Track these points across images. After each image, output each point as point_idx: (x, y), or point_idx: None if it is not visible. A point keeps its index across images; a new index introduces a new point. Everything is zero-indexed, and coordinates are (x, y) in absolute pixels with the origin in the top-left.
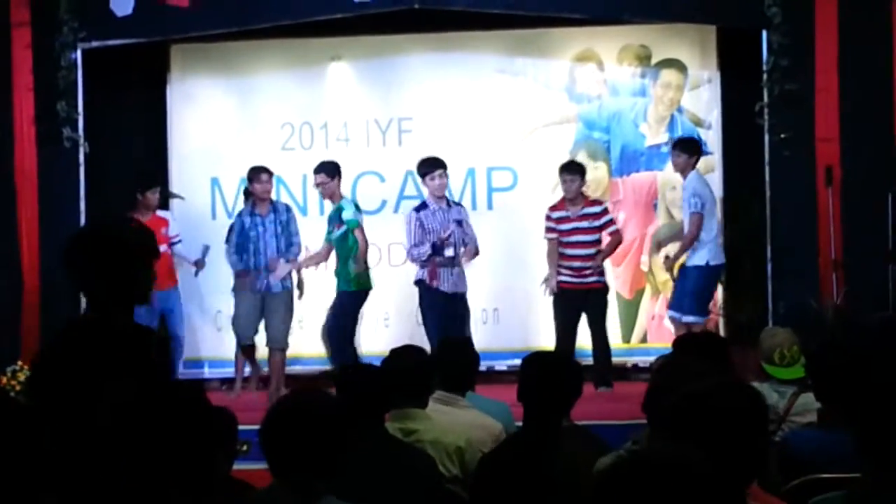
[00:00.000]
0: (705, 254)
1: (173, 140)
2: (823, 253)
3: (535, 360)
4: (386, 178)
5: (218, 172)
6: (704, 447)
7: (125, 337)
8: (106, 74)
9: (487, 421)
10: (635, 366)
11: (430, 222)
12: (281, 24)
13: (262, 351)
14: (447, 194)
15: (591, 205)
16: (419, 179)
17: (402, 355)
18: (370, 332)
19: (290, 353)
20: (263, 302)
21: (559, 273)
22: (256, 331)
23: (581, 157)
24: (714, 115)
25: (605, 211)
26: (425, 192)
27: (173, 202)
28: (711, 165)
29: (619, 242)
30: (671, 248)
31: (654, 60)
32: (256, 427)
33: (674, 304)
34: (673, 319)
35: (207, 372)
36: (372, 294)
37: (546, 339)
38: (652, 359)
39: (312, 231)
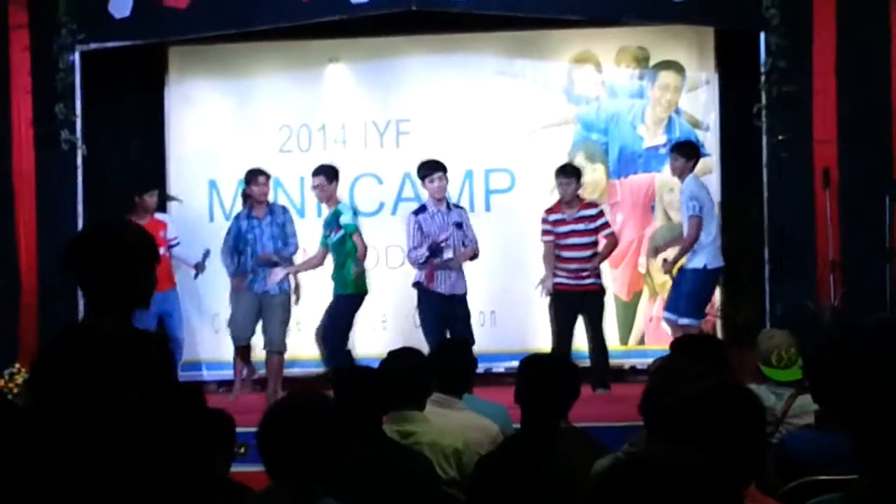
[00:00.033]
0: (703, 257)
1: (171, 142)
2: (821, 255)
3: (532, 362)
4: (384, 180)
5: (216, 175)
6: (701, 449)
7: (125, 340)
8: (104, 76)
9: (484, 423)
10: (633, 368)
11: (429, 225)
12: (279, 26)
13: (257, 353)
14: (447, 197)
15: (587, 207)
16: (419, 182)
17: (400, 357)
18: (367, 335)
19: (287, 355)
20: (261, 304)
21: (556, 275)
22: (253, 333)
23: (579, 159)
24: (712, 117)
25: (601, 213)
26: (425, 194)
27: (171, 205)
28: (709, 167)
29: (616, 245)
30: (670, 253)
31: (652, 62)
32: (254, 429)
33: (670, 306)
34: (668, 321)
35: (205, 374)
36: (369, 296)
37: (544, 341)
38: (649, 361)
39: (310, 233)
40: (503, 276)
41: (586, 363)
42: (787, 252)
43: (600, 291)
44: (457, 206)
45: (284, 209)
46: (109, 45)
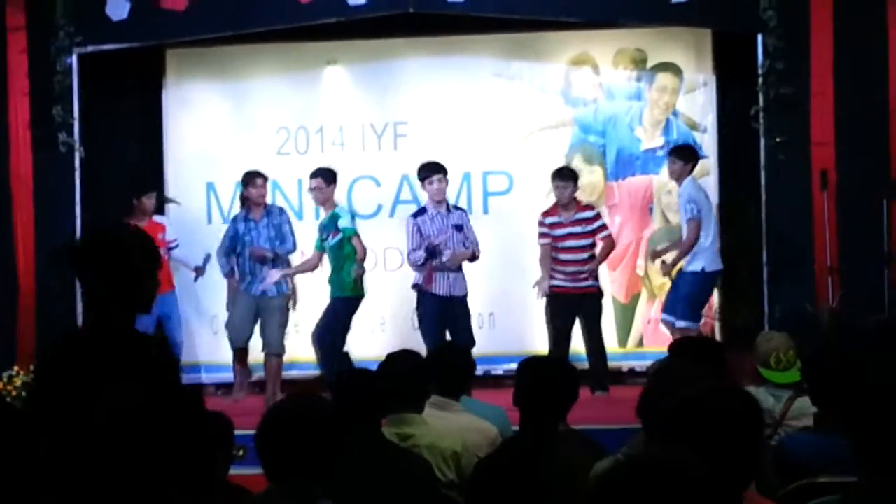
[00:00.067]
0: (702, 260)
1: (169, 145)
2: (819, 257)
3: (531, 364)
4: (381, 182)
5: (214, 177)
6: (699, 451)
7: (125, 342)
8: (101, 79)
9: (483, 425)
10: (631, 370)
11: (429, 227)
12: (276, 29)
13: (255, 355)
14: (448, 199)
15: (584, 210)
16: (418, 184)
17: (398, 360)
18: (366, 337)
19: (285, 357)
20: (258, 307)
21: (553, 278)
22: (251, 335)
23: (577, 161)
24: (709, 119)
25: (598, 216)
26: (424, 196)
27: (169, 207)
28: (707, 169)
29: (613, 247)
30: (670, 256)
31: (649, 64)
32: (252, 432)
33: (667, 308)
34: (666, 323)
35: (204, 377)
36: (368, 299)
37: (542, 344)
38: (648, 363)
39: (308, 235)
40: (501, 278)
41: (584, 366)
42: (786, 254)
43: (598, 294)
44: (457, 208)
45: (281, 210)
46: (107, 47)
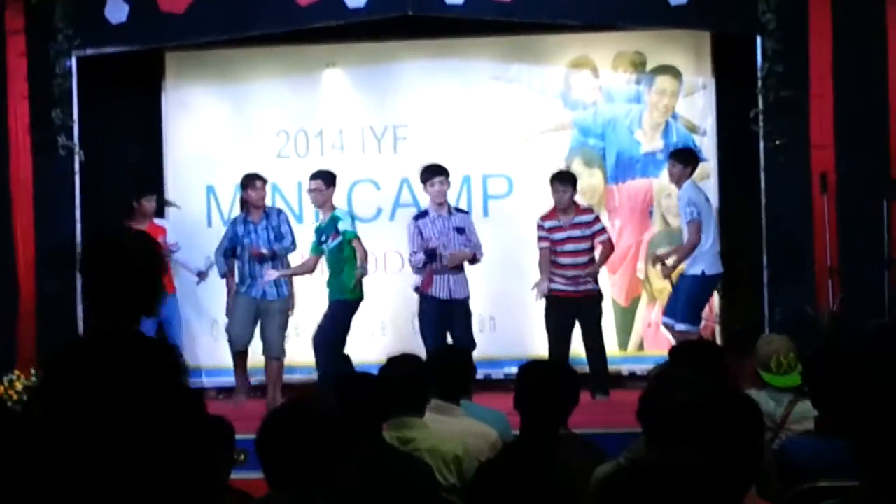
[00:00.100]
0: (702, 263)
1: (168, 148)
2: (819, 260)
3: (531, 368)
4: (381, 185)
5: (213, 180)
6: (699, 454)
7: (132, 346)
8: (101, 82)
9: (483, 429)
10: (632, 374)
11: (429, 230)
12: (275, 32)
13: (256, 359)
14: (451, 202)
15: (583, 213)
16: (419, 187)
17: (399, 364)
18: (366, 341)
19: (286, 361)
20: (258, 309)
21: (553, 281)
22: (251, 338)
23: (576, 164)
24: (709, 122)
25: (597, 219)
26: (425, 199)
27: (169, 210)
28: (706, 172)
29: (612, 250)
30: (671, 260)
31: (648, 67)
32: (253, 436)
33: (668, 311)
34: (667, 326)
35: (205, 381)
36: (368, 303)
37: (543, 347)
38: (648, 366)
39: (308, 238)
40: (502, 281)
41: (585, 369)
42: (786, 257)
43: (597, 296)
44: (459, 211)
45: (280, 211)
46: (106, 50)
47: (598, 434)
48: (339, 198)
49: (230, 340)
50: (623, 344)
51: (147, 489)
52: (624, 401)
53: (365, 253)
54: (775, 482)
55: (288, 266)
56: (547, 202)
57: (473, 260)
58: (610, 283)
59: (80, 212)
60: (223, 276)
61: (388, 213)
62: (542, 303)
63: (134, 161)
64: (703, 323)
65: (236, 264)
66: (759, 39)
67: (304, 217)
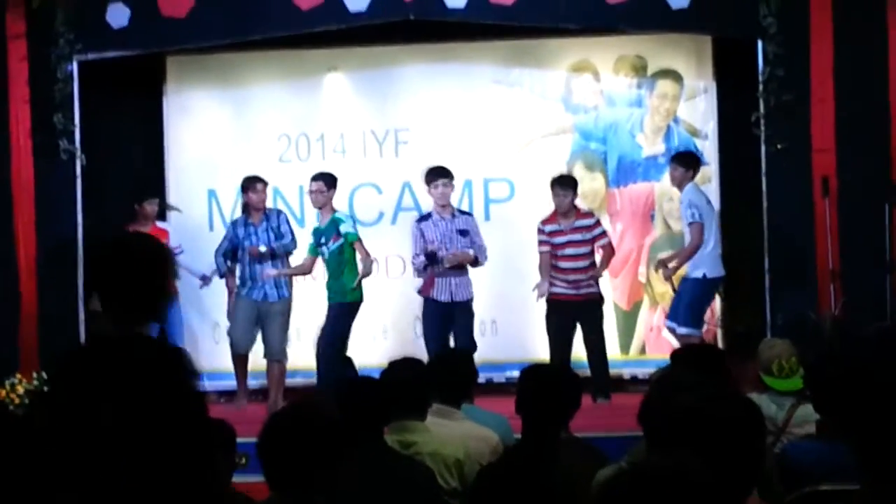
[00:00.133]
0: (703, 266)
1: (170, 152)
2: (821, 264)
3: (533, 371)
4: (383, 189)
5: (215, 184)
6: (700, 458)
7: (142, 349)
8: (102, 86)
9: (485, 433)
10: (633, 377)
11: (432, 232)
12: (277, 36)
13: (258, 363)
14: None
15: (583, 217)
16: (420, 191)
17: (401, 367)
18: (368, 344)
19: (288, 365)
20: (259, 312)
21: (553, 285)
22: (253, 341)
23: (578, 168)
24: (710, 126)
25: (598, 223)
26: (427, 203)
27: (170, 214)
28: (708, 176)
29: (613, 254)
30: (673, 264)
31: (650, 71)
32: (254, 440)
33: (670, 315)
34: (670, 329)
35: (206, 384)
36: (370, 306)
37: (544, 351)
38: (650, 370)
39: (308, 240)
40: (503, 285)
41: (586, 372)
42: (787, 261)
43: (599, 300)
44: (463, 213)
45: (279, 212)
46: (107, 54)
47: (599, 438)
48: (340, 202)
49: (232, 344)
50: (625, 347)
51: (147, 490)
52: (625, 404)
53: (367, 253)
54: (777, 486)
55: (288, 266)
56: (548, 206)
57: (475, 262)
58: (612, 287)
59: (81, 216)
60: (222, 276)
61: (389, 217)
62: (544, 306)
63: (135, 165)
64: (705, 326)
65: (237, 267)
66: (760, 43)
67: (305, 221)
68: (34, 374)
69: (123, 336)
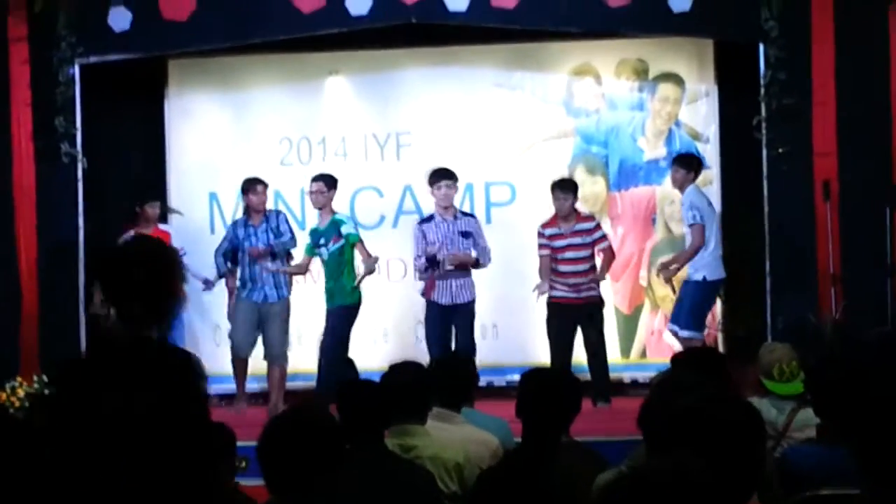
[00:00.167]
0: (703, 269)
1: (171, 155)
2: (822, 267)
3: (533, 375)
4: (384, 193)
5: (216, 187)
6: (700, 461)
7: (150, 352)
8: (104, 89)
9: (484, 436)
10: (634, 381)
11: (433, 234)
12: (278, 39)
13: (258, 366)
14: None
15: (583, 220)
16: (421, 194)
17: (401, 371)
18: (368, 348)
19: (289, 368)
20: (260, 314)
21: (554, 288)
22: (255, 344)
23: (579, 172)
24: (712, 130)
25: (598, 226)
26: (428, 206)
27: (171, 217)
28: (709, 179)
29: (613, 258)
30: (674, 266)
31: (651, 74)
32: (254, 443)
33: (673, 318)
34: (673, 333)
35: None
36: (370, 310)
37: (545, 355)
38: (651, 374)
39: (306, 242)
40: (504, 289)
41: (586, 376)
42: (788, 265)
43: (599, 303)
44: (467, 215)
45: (278, 212)
46: (109, 57)
47: (599, 442)
48: (342, 205)
49: (232, 347)
50: (625, 351)
51: (147, 490)
52: (625, 408)
53: (369, 254)
54: (777, 490)
55: (287, 265)
56: (549, 210)
57: (476, 264)
58: (613, 291)
59: (82, 219)
60: (221, 276)
61: (390, 221)
62: (545, 310)
63: (137, 168)
64: (706, 330)
65: (238, 269)
66: (761, 47)
67: (306, 223)
68: (34, 378)
69: (132, 339)
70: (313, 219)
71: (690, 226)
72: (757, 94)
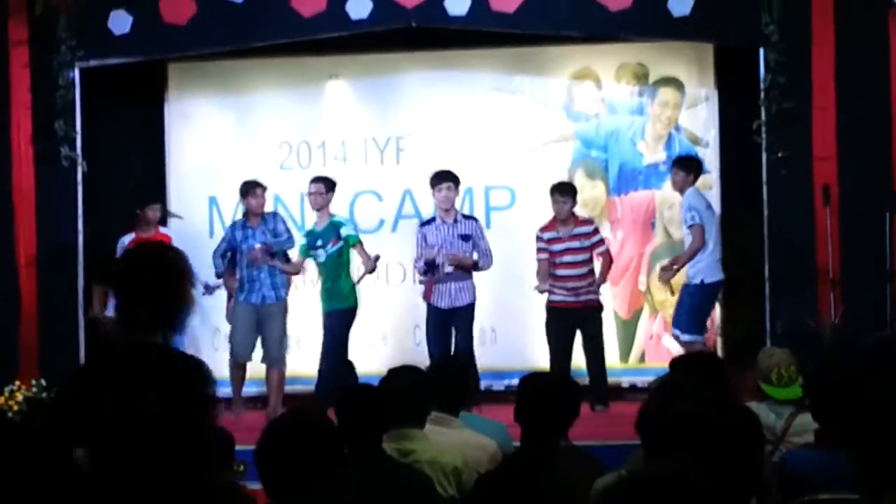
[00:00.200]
0: (701, 272)
1: (171, 158)
2: (821, 272)
3: (532, 380)
4: (383, 196)
5: (215, 191)
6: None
7: (159, 357)
8: (104, 93)
9: (482, 440)
10: (632, 386)
11: (434, 237)
12: (278, 43)
13: (257, 369)
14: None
15: (582, 224)
16: (420, 198)
17: (400, 375)
18: (367, 352)
19: (287, 372)
20: (258, 316)
21: (553, 292)
22: (253, 349)
23: (579, 176)
24: (712, 134)
25: (596, 231)
26: (427, 210)
27: (170, 220)
28: (709, 183)
29: (611, 262)
30: (674, 268)
31: (651, 79)
32: (252, 447)
33: (674, 322)
34: (675, 337)
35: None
36: (369, 313)
37: (544, 359)
38: (650, 379)
39: (301, 243)
40: (504, 293)
41: (584, 380)
42: (788, 269)
43: (598, 307)
44: (468, 218)
45: (276, 214)
46: (109, 61)
47: (597, 446)
48: (341, 209)
49: (231, 352)
50: (624, 356)
51: (146, 490)
52: (624, 413)
53: (368, 256)
54: (776, 495)
55: (288, 262)
56: (549, 214)
57: (476, 266)
58: (612, 295)
59: (82, 223)
60: (219, 276)
61: (390, 225)
62: (543, 314)
63: (137, 172)
64: (707, 333)
65: (237, 271)
66: (761, 51)
67: (305, 227)
68: (33, 382)
69: (135, 344)
70: (313, 222)
71: (690, 227)
72: (757, 99)
